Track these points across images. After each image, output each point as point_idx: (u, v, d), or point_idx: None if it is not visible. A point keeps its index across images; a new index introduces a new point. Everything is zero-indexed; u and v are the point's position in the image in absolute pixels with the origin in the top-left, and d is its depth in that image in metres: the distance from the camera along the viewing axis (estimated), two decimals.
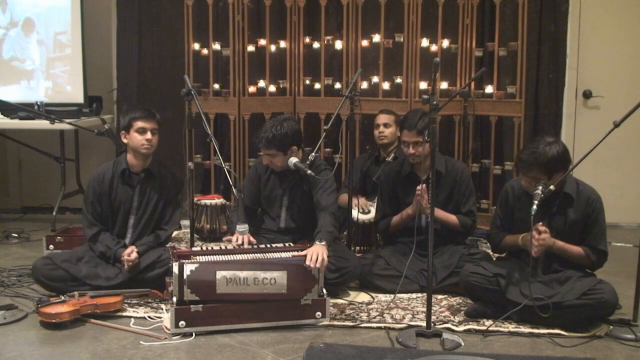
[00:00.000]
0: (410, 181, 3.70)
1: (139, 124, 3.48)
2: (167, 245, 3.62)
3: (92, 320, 3.07)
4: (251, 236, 3.32)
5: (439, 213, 3.59)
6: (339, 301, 3.40)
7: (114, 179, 3.56)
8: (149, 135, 3.48)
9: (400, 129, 3.74)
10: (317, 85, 5.10)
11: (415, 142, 3.58)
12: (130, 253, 3.39)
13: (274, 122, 3.53)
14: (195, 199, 4.32)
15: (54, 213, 4.95)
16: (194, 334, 2.92)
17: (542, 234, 3.03)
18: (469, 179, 3.76)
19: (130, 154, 3.56)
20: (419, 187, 3.49)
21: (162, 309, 3.22)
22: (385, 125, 4.41)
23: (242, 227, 3.29)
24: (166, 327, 2.98)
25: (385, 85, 4.97)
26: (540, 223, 3.05)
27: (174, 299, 2.92)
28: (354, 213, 3.97)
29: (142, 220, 3.58)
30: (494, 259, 3.60)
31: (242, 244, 3.25)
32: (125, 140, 3.54)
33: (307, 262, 3.01)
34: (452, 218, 3.68)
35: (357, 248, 4.24)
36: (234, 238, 3.29)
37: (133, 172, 3.58)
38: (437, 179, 3.61)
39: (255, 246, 3.28)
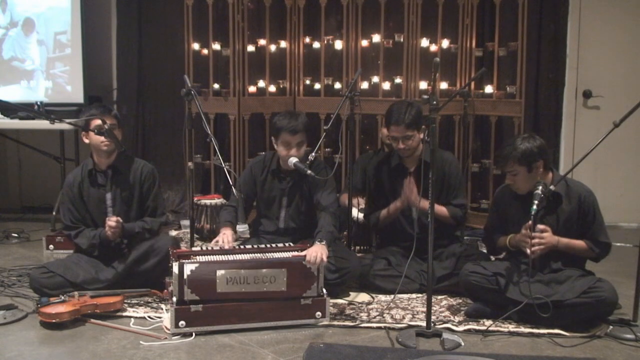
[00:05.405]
0: (399, 172, 3.67)
1: (96, 122, 3.39)
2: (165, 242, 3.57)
3: (92, 320, 3.07)
4: (234, 237, 3.33)
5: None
6: (339, 301, 3.39)
7: (83, 181, 3.51)
8: None
9: (387, 124, 3.61)
10: (317, 85, 5.10)
11: (405, 136, 3.49)
12: (111, 218, 3.37)
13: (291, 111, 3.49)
14: (195, 199, 4.32)
15: (53, 213, 4.95)
16: (194, 334, 2.92)
17: (543, 232, 3.03)
18: (458, 170, 3.73)
19: (95, 153, 3.50)
20: (405, 184, 3.46)
21: (162, 309, 3.22)
22: None
23: (242, 227, 3.29)
24: (166, 327, 2.98)
25: (385, 85, 4.97)
26: (538, 224, 3.04)
27: (174, 298, 2.93)
28: (354, 213, 3.97)
29: (121, 218, 3.50)
30: (492, 259, 3.59)
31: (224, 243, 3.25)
32: (86, 141, 3.46)
33: (307, 260, 3.02)
34: (443, 210, 3.62)
35: (357, 248, 4.24)
36: (219, 239, 3.29)
37: (100, 171, 3.52)
38: (425, 167, 3.56)
39: (255, 246, 3.28)
